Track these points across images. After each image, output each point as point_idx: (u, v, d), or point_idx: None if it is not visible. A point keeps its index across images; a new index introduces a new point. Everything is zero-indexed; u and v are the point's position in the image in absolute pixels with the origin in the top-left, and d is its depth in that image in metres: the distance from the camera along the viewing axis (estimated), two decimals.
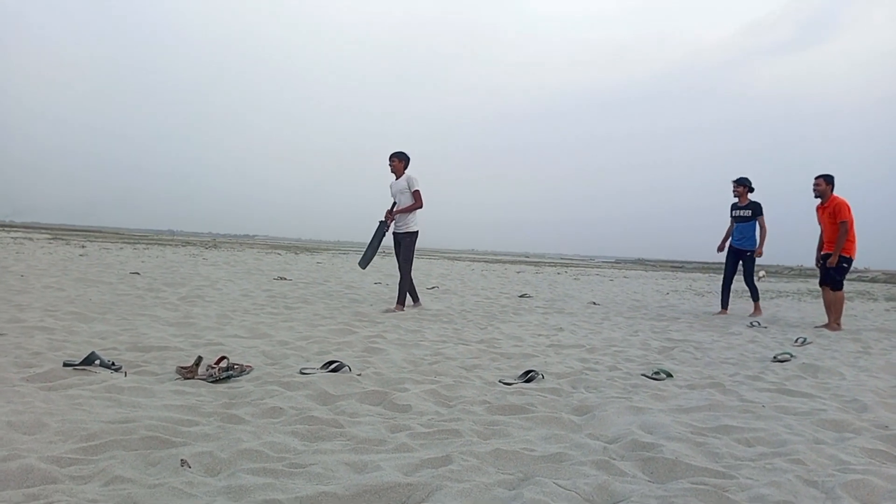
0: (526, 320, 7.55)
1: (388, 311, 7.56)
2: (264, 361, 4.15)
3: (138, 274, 10.88)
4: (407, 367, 4.25)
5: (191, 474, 2.13)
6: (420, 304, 8.29)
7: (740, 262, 9.52)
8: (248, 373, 3.71)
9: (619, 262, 70.30)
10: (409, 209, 7.92)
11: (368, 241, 8.28)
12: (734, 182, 9.40)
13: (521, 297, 11.29)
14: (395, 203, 8.04)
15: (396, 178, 8.00)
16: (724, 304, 9.73)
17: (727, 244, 9.62)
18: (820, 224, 8.18)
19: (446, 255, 54.87)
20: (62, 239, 27.24)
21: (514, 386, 3.81)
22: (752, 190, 9.37)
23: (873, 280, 32.23)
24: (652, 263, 70.56)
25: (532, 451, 2.55)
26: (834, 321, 7.99)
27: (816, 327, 8.09)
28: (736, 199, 9.45)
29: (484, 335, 6.01)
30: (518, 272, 23.68)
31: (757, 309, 9.53)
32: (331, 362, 3.96)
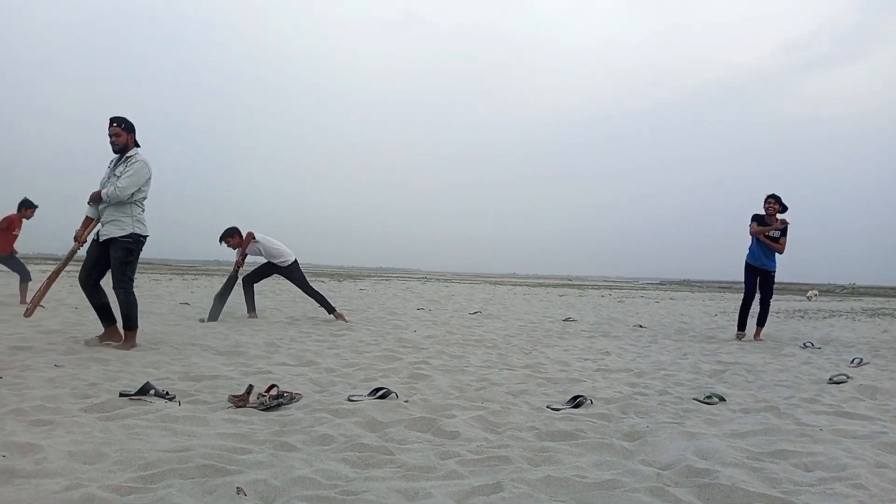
0: (571, 344, 7.48)
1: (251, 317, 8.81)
2: (313, 389, 4.20)
3: (188, 304, 11.12)
4: (453, 393, 4.25)
5: (246, 502, 2.17)
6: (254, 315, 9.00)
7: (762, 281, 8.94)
8: (297, 400, 3.76)
9: (664, 284, 69.21)
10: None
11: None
12: (770, 197, 8.77)
13: (565, 320, 11.20)
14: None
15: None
16: (742, 325, 9.03)
17: (748, 262, 8.96)
18: None
19: (487, 279, 54.80)
20: None
21: (563, 411, 3.78)
22: (785, 209, 8.86)
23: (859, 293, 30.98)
24: (698, 284, 69.27)
25: (584, 477, 2.52)
26: None
27: None
28: (767, 216, 8.81)
29: (529, 360, 5.98)
30: (561, 296, 23.51)
31: (758, 334, 8.87)
32: (378, 389, 3.99)
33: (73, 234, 5.84)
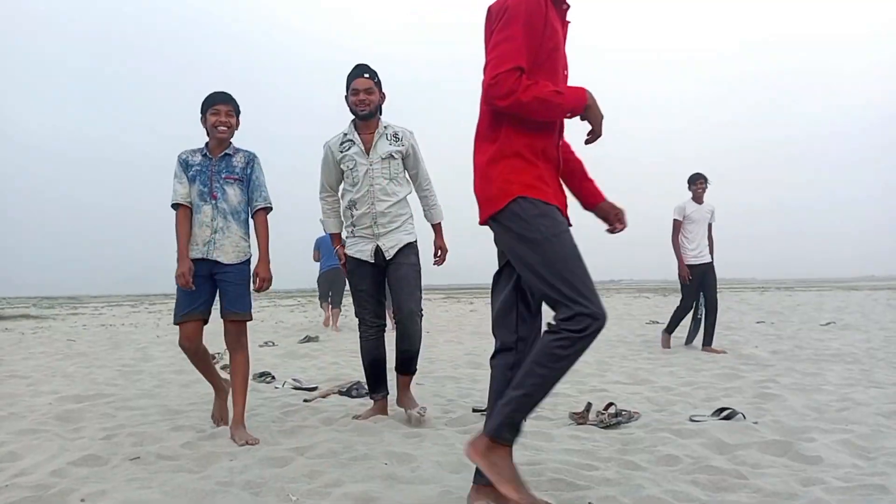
0: None
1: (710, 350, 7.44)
2: (650, 408, 4.15)
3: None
4: (810, 414, 3.85)
5: None
6: None
7: None
8: (636, 419, 3.76)
9: None
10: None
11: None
12: None
13: None
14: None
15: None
16: None
17: None
18: None
19: (837, 284, 48.36)
20: (454, 297, 30.86)
21: None
22: None
23: None
24: None
25: None
26: None
27: None
28: None
29: None
30: None
31: None
32: (721, 409, 3.80)
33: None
